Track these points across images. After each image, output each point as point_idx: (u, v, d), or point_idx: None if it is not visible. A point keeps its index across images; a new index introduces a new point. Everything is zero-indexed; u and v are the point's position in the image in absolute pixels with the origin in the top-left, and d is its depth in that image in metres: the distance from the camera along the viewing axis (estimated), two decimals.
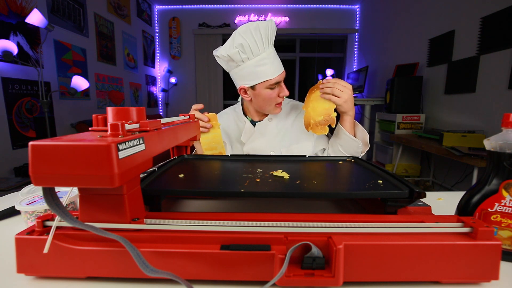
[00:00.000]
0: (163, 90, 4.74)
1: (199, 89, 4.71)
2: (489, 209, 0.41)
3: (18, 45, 2.05)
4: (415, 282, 0.35)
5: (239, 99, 1.00)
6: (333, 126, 0.80)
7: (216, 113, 0.99)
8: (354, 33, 4.58)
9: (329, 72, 4.44)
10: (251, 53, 0.77)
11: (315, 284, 0.32)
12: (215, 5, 4.50)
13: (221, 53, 0.80)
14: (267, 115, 0.94)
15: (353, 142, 0.81)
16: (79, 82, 2.08)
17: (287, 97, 1.04)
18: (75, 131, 2.63)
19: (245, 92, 0.86)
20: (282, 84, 0.84)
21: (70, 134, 0.32)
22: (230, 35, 0.80)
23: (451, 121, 2.36)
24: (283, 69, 0.83)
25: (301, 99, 0.94)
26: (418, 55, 2.79)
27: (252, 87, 0.83)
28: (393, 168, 2.67)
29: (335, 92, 0.74)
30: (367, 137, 0.83)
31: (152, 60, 4.52)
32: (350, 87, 0.76)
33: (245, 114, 0.97)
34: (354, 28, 4.56)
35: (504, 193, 0.40)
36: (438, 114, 2.53)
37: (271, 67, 0.79)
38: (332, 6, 4.50)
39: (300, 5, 4.46)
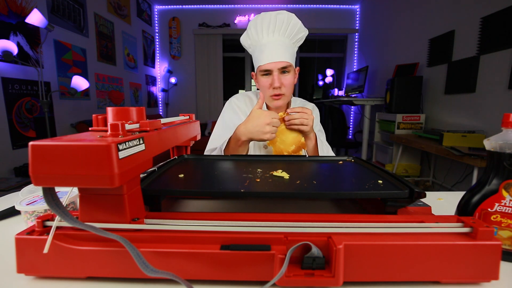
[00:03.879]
0: (163, 90, 4.74)
1: (199, 89, 4.71)
2: (489, 209, 0.41)
3: (18, 45, 2.05)
4: (415, 282, 0.35)
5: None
6: (305, 149, 0.80)
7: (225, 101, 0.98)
8: (354, 33, 4.58)
9: (329, 72, 4.43)
10: (253, 39, 0.85)
11: (315, 284, 0.32)
12: (215, 5, 4.50)
13: (241, 40, 0.91)
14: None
15: None
16: (79, 82, 2.08)
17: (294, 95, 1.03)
18: (75, 131, 2.63)
19: (255, 78, 0.91)
20: (276, 74, 0.82)
21: (70, 134, 0.32)
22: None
23: (451, 121, 2.36)
24: (283, 59, 0.81)
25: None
26: (418, 55, 2.79)
27: (256, 73, 0.89)
28: (393, 168, 2.66)
29: (303, 122, 0.76)
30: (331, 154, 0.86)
31: (152, 60, 4.52)
32: (311, 111, 0.77)
33: (266, 105, 0.96)
34: (354, 28, 4.55)
35: (504, 193, 0.40)
36: (438, 114, 2.53)
37: (266, 54, 0.82)
38: (332, 6, 4.50)
39: (300, 5, 4.46)
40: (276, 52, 0.81)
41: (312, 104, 1.03)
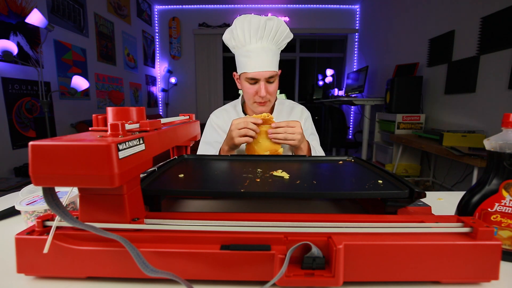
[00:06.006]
0: (163, 90, 4.74)
1: (199, 89, 4.71)
2: (489, 209, 0.41)
3: (18, 45, 2.04)
4: (415, 282, 0.35)
5: (240, 97, 1.00)
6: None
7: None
8: (354, 33, 4.58)
9: (329, 72, 4.43)
10: (239, 41, 0.81)
11: (315, 284, 0.32)
12: (215, 5, 4.50)
13: (223, 37, 0.88)
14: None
15: None
16: (79, 82, 2.08)
17: (288, 97, 1.03)
18: (75, 131, 2.63)
19: (237, 79, 0.91)
20: (262, 83, 0.82)
21: (70, 134, 0.32)
22: None
23: (451, 121, 2.36)
24: (270, 69, 0.81)
25: (301, 99, 0.95)
26: (418, 55, 2.79)
27: (240, 76, 0.87)
28: (393, 168, 2.66)
29: (288, 137, 0.73)
30: None
31: (152, 60, 4.52)
32: (299, 124, 0.75)
33: (245, 113, 0.97)
34: (354, 28, 4.55)
35: (504, 193, 0.40)
36: (438, 114, 2.53)
37: (253, 62, 0.80)
38: (332, 6, 4.50)
39: (300, 5, 4.46)
40: (264, 60, 0.80)
41: (301, 106, 1.01)
